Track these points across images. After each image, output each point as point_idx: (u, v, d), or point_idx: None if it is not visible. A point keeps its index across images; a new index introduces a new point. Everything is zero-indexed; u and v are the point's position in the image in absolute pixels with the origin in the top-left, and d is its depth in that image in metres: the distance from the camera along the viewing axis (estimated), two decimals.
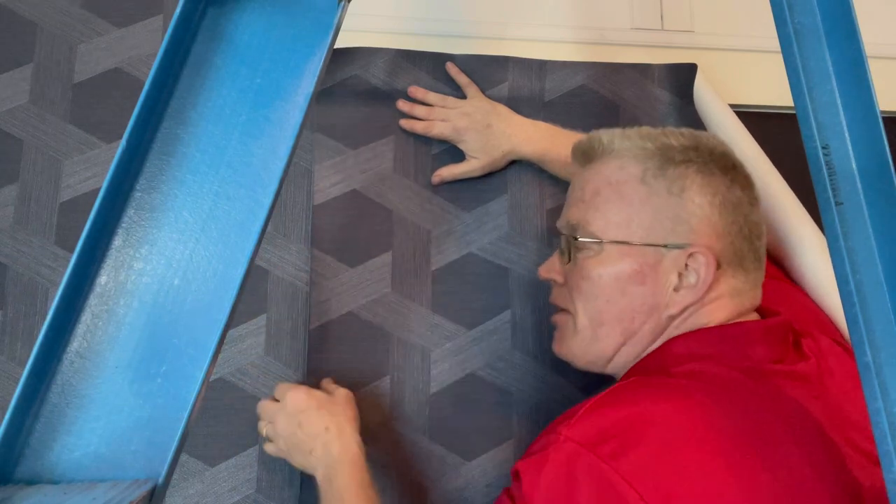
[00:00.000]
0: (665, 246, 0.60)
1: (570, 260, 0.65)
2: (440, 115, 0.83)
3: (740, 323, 0.60)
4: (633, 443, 0.50)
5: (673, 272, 0.60)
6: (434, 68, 0.86)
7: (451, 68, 0.86)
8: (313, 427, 0.67)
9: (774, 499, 0.48)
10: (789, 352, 0.60)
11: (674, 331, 0.61)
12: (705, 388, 0.54)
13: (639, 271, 0.60)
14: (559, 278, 0.67)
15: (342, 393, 0.71)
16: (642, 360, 0.62)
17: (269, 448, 0.71)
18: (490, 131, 0.81)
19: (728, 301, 0.60)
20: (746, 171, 0.64)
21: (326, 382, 0.75)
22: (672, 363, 0.58)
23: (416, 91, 0.85)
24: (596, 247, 0.62)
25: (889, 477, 0.33)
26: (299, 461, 0.68)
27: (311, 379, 0.78)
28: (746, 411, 0.53)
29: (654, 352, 0.61)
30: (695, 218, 0.60)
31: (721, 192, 0.60)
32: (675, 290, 0.60)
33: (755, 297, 0.62)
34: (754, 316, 0.62)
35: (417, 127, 0.83)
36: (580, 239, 0.63)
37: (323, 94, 0.84)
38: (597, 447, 0.50)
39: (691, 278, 0.59)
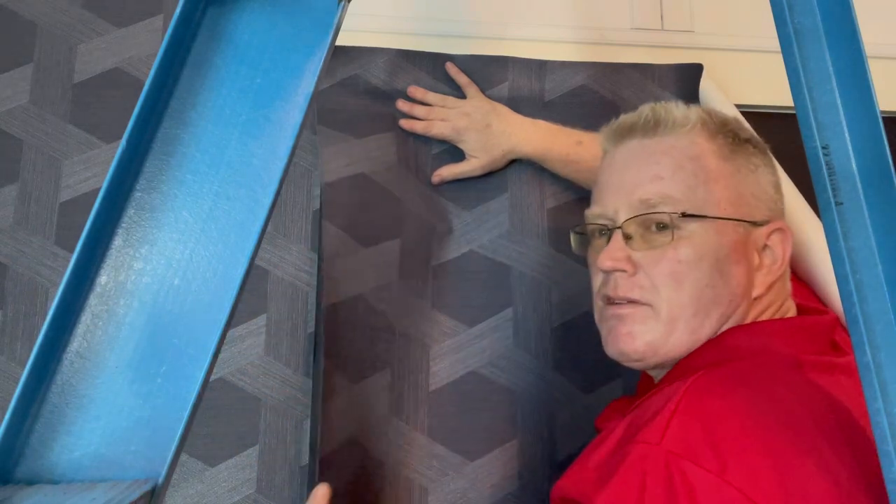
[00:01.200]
0: (753, 223, 0.59)
1: (647, 244, 0.58)
2: (440, 115, 0.83)
3: (793, 318, 0.60)
4: (736, 449, 0.46)
5: (754, 251, 0.59)
6: (434, 68, 0.86)
7: (451, 68, 0.86)
8: None
9: (836, 498, 0.46)
10: (830, 348, 0.59)
11: (753, 312, 0.58)
12: (765, 384, 0.51)
13: (736, 248, 0.57)
14: (629, 267, 0.59)
15: None
16: (696, 353, 0.57)
17: None
18: (490, 131, 0.81)
19: (784, 283, 0.61)
20: None
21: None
22: (731, 356, 0.55)
23: (416, 91, 0.85)
24: (689, 225, 0.57)
25: (889, 477, 0.33)
26: None
27: (329, 362, 0.75)
28: (803, 407, 0.50)
29: (707, 345, 0.57)
30: (767, 196, 0.60)
31: (775, 173, 0.62)
32: (757, 269, 0.58)
33: (790, 280, 0.63)
34: (793, 306, 0.62)
35: (417, 127, 0.83)
36: (674, 216, 0.57)
37: (323, 94, 0.84)
38: (699, 459, 0.45)
39: (769, 257, 0.59)
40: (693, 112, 0.62)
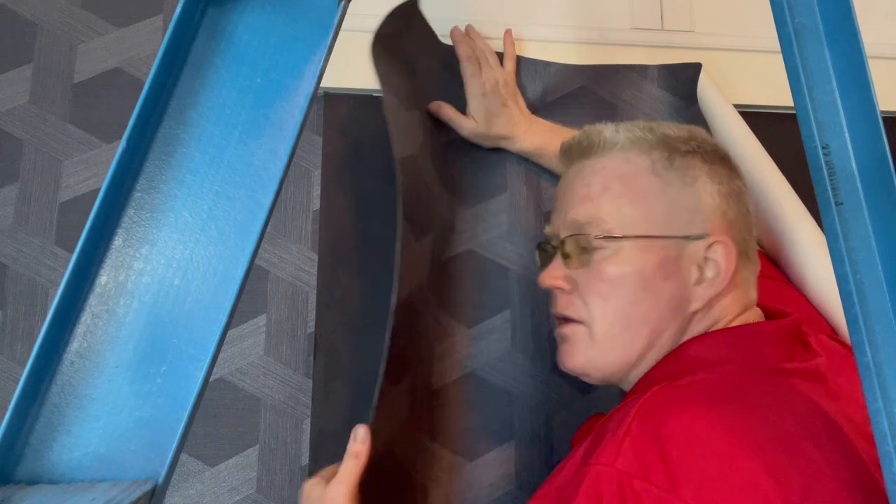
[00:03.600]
0: (686, 237, 0.58)
1: (580, 263, 0.60)
2: (485, 62, 0.81)
3: (752, 324, 0.59)
4: (687, 465, 0.46)
5: (693, 265, 0.58)
6: (443, 58, 0.85)
7: (508, 36, 0.85)
8: None
9: (802, 501, 0.47)
10: (800, 351, 0.59)
11: (695, 327, 0.59)
12: (724, 394, 0.52)
13: (662, 265, 0.58)
14: (566, 285, 0.61)
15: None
16: (658, 366, 0.59)
17: None
18: (502, 111, 0.81)
19: (740, 292, 0.60)
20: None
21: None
22: (690, 368, 0.56)
23: (468, 30, 0.84)
24: (614, 245, 0.58)
25: (889, 477, 0.33)
26: None
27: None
28: (766, 414, 0.51)
29: (668, 357, 0.59)
30: (708, 208, 0.59)
31: (725, 181, 0.60)
32: (697, 283, 0.58)
33: (755, 289, 0.62)
34: (758, 313, 0.62)
35: (462, 51, 0.81)
36: (597, 238, 0.59)
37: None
38: (650, 477, 0.46)
39: (711, 270, 0.58)
40: (624, 131, 0.62)
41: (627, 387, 0.62)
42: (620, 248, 0.58)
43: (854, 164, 0.36)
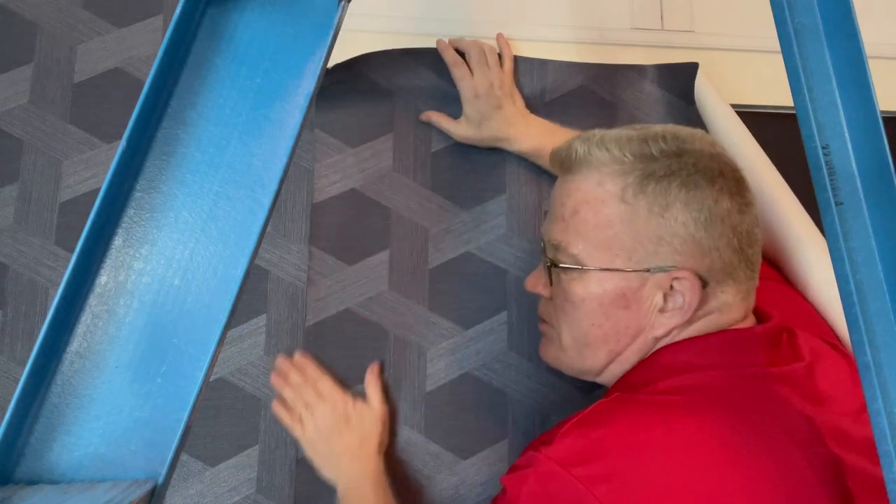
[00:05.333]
0: (648, 270, 0.57)
1: (555, 278, 0.63)
2: (475, 64, 0.82)
3: (729, 330, 0.59)
4: (612, 466, 0.50)
5: (657, 294, 0.58)
6: (435, 64, 0.85)
7: (501, 38, 0.85)
8: (350, 438, 0.72)
9: None
10: (783, 354, 0.59)
11: (661, 345, 0.60)
12: (692, 404, 0.54)
13: (622, 296, 0.58)
14: (546, 293, 0.65)
15: (378, 412, 0.76)
16: (629, 372, 0.61)
17: (297, 431, 0.73)
18: (498, 112, 0.81)
19: (717, 316, 0.59)
20: (738, 172, 0.59)
21: (371, 386, 0.78)
22: (660, 376, 0.57)
23: (453, 42, 0.84)
24: (578, 270, 0.60)
25: (889, 477, 0.33)
26: (323, 461, 0.72)
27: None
28: (737, 421, 0.52)
29: (641, 363, 0.60)
30: (678, 238, 0.56)
31: (707, 206, 0.56)
32: (661, 311, 0.58)
33: (747, 305, 0.61)
34: (748, 320, 0.61)
35: (447, 56, 0.82)
36: (561, 265, 0.61)
37: (323, 92, 0.84)
38: (575, 468, 0.50)
39: (677, 300, 0.57)
40: (605, 149, 0.59)
41: (608, 384, 0.65)
42: (585, 273, 0.60)
43: (854, 164, 0.36)
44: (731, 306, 0.59)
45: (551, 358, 0.67)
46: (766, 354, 0.57)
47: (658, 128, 0.60)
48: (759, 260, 0.61)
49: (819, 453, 0.52)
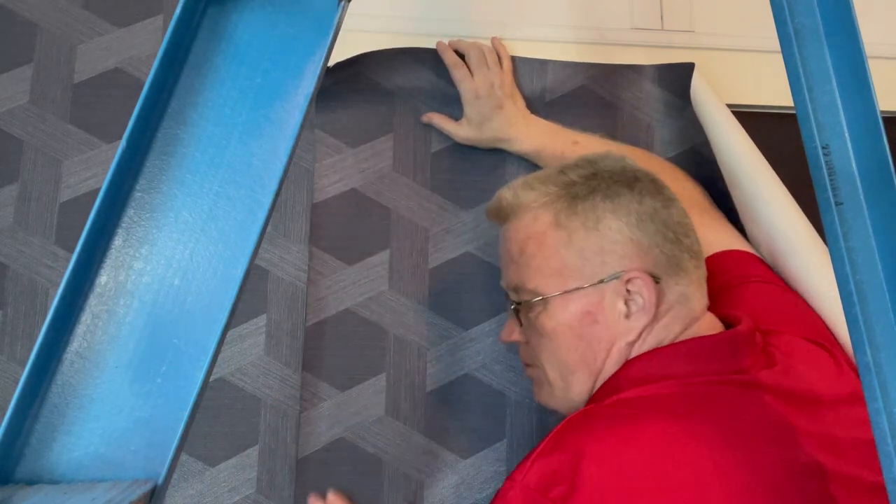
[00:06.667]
0: (601, 281, 0.61)
1: (524, 320, 0.65)
2: (475, 66, 0.82)
3: (694, 339, 0.61)
4: (580, 485, 0.51)
5: (618, 302, 0.61)
6: (435, 65, 0.85)
7: (496, 41, 0.85)
8: None
9: None
10: (756, 357, 0.60)
11: (636, 352, 0.62)
12: (658, 409, 0.55)
13: (587, 312, 0.61)
14: (521, 337, 0.67)
15: None
16: (598, 388, 0.62)
17: None
18: (498, 113, 0.81)
19: (680, 309, 0.61)
20: (651, 174, 0.65)
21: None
22: (625, 387, 0.59)
23: (454, 43, 0.84)
24: (542, 302, 0.63)
25: (889, 477, 0.33)
26: None
27: (307, 374, 0.78)
28: (704, 420, 0.53)
29: (609, 378, 0.62)
30: (618, 245, 0.61)
31: (633, 209, 0.61)
32: (627, 317, 0.61)
33: (703, 297, 0.63)
34: (711, 323, 0.63)
35: (448, 58, 0.82)
36: (524, 301, 0.64)
37: (323, 92, 0.84)
38: (550, 491, 0.51)
39: (638, 302, 0.60)
40: (529, 189, 0.64)
41: None
42: (548, 304, 0.62)
43: (854, 164, 0.36)
44: (689, 297, 0.62)
45: (544, 399, 0.68)
46: (733, 360, 0.59)
47: (571, 158, 0.68)
48: (701, 249, 0.65)
49: (797, 455, 0.52)
